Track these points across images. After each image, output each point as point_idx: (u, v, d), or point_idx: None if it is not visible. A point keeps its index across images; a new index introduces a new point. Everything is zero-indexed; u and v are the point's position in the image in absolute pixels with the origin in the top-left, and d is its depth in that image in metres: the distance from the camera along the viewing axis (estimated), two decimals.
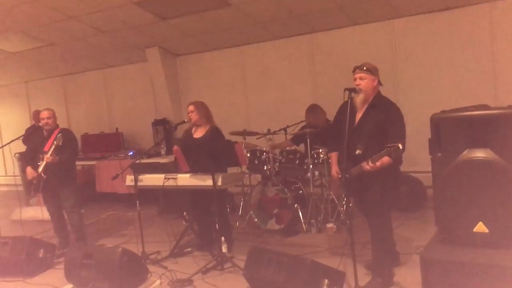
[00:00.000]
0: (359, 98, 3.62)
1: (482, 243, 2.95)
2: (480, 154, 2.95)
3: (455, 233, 3.02)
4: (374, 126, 3.57)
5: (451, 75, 6.36)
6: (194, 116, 4.92)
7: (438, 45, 6.42)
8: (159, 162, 7.09)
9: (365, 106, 3.67)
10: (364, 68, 3.63)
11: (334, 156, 4.00)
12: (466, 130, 2.98)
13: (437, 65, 6.45)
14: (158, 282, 4.21)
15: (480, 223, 2.96)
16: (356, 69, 3.67)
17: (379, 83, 3.71)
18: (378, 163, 3.30)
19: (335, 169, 3.93)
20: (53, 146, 4.99)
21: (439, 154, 3.09)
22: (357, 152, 3.48)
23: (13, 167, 8.79)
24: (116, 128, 8.87)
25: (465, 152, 2.99)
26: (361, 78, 3.62)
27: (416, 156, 5.38)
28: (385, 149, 3.15)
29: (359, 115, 3.69)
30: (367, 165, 3.33)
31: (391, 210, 3.84)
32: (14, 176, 8.05)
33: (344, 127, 3.41)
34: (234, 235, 5.27)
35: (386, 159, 3.30)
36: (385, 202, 3.63)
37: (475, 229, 2.96)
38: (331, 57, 7.16)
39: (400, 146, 3.04)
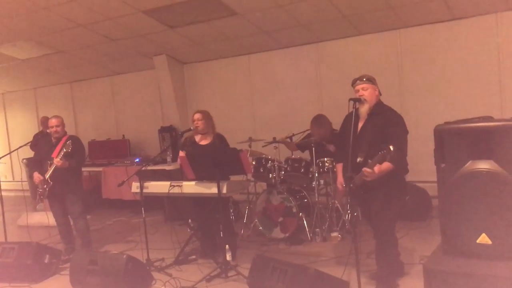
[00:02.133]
0: (364, 108, 3.66)
1: (485, 255, 2.95)
2: (483, 165, 2.96)
3: (458, 244, 3.02)
4: (375, 133, 3.59)
5: (457, 85, 6.37)
6: (201, 125, 4.96)
7: (444, 55, 6.43)
8: (165, 169, 7.13)
9: (367, 115, 3.70)
10: (365, 79, 3.69)
11: (339, 167, 4.01)
12: (470, 141, 2.99)
13: (443, 75, 6.46)
14: None
15: (484, 234, 2.96)
16: (357, 80, 3.72)
17: (379, 93, 3.77)
18: (376, 169, 3.26)
19: (339, 180, 3.95)
20: (62, 153, 5.06)
21: (443, 165, 3.09)
22: (358, 159, 3.50)
23: (21, 172, 8.85)
24: (123, 135, 8.93)
25: (468, 164, 3.00)
26: (363, 89, 3.67)
27: (422, 166, 5.37)
28: (379, 153, 3.14)
29: (360, 124, 3.73)
30: (365, 172, 3.32)
31: (397, 220, 3.83)
32: (21, 181, 8.10)
33: (348, 136, 3.43)
34: (238, 243, 5.29)
35: (385, 165, 3.27)
36: (390, 212, 3.63)
37: (478, 240, 2.96)
38: (337, 66, 7.19)
39: (391, 148, 2.97)
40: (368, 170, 3.27)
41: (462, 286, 2.81)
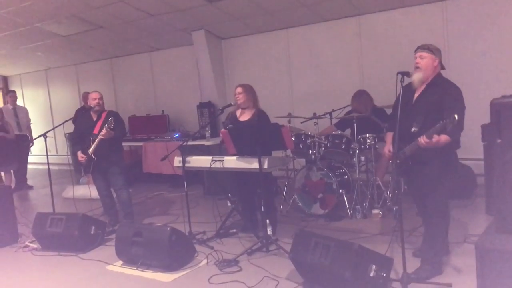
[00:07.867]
0: (417, 77, 3.54)
1: None
2: None
3: None
4: (432, 103, 3.47)
5: (506, 60, 6.06)
6: (242, 98, 4.91)
7: (493, 28, 6.11)
8: (204, 145, 7.18)
9: (424, 85, 3.59)
10: (426, 48, 3.57)
11: (389, 135, 3.92)
12: None
13: (492, 49, 6.16)
14: (204, 261, 4.29)
15: None
16: (418, 48, 3.61)
17: (441, 66, 3.63)
18: (434, 139, 3.18)
19: (387, 148, 3.84)
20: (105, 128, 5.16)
21: (499, 141, 2.96)
22: (413, 129, 3.39)
23: (65, 146, 9.14)
24: (162, 110, 9.03)
25: None
26: (421, 57, 3.56)
27: (466, 143, 5.18)
28: (441, 122, 3.05)
29: (416, 94, 3.61)
30: (422, 140, 3.24)
31: (449, 197, 3.66)
32: (67, 155, 8.35)
33: (401, 108, 3.34)
34: (278, 218, 5.29)
35: (443, 137, 3.19)
36: (443, 182, 3.50)
37: None
38: (379, 40, 6.98)
39: (456, 117, 2.90)
40: (426, 140, 3.19)
41: None
